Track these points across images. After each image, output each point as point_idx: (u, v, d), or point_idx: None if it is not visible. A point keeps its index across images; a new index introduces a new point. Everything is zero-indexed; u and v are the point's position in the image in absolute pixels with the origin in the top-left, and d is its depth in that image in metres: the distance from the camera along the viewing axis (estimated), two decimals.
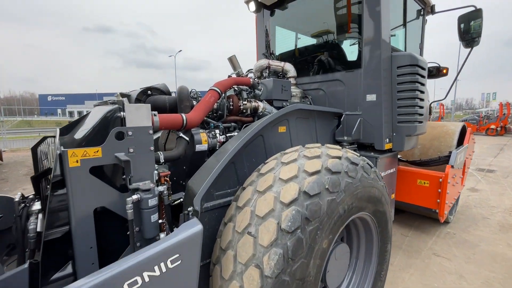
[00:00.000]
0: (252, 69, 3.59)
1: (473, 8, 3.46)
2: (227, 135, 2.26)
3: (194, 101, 2.20)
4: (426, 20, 4.07)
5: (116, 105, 1.63)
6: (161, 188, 1.59)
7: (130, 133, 1.48)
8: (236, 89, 2.56)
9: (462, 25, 3.52)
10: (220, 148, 1.97)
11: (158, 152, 1.70)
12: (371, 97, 2.97)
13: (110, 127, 1.62)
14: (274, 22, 4.15)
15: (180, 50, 45.41)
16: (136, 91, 2.10)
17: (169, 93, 2.25)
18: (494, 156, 11.77)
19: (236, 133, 2.29)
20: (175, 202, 1.87)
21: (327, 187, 1.62)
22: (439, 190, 3.79)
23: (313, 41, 3.80)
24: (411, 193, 4.03)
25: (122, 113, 1.48)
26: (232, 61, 2.98)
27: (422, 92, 3.04)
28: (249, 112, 2.53)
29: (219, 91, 2.14)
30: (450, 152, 4.07)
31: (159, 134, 2.53)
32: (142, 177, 1.55)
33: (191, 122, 1.84)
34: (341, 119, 3.18)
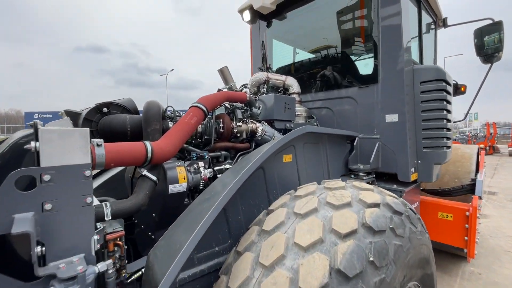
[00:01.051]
0: (247, 84, 3.07)
1: (490, 21, 3.12)
2: (216, 168, 1.66)
3: (170, 123, 1.61)
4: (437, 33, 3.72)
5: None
6: (103, 265, 0.95)
7: (47, 177, 0.87)
8: (228, 106, 2.00)
9: (478, 40, 3.16)
10: (206, 190, 1.36)
11: (102, 204, 1.07)
12: (392, 118, 2.46)
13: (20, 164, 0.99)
14: (271, 35, 3.72)
15: (172, 69, 45.64)
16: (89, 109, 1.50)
17: (136, 112, 1.66)
18: (491, 177, 11.48)
19: (228, 165, 1.69)
20: (133, 278, 1.21)
21: (371, 259, 1.02)
22: (467, 225, 3.22)
23: (316, 53, 3.35)
24: (431, 227, 3.45)
25: (34, 143, 0.87)
26: (223, 73, 2.44)
27: (449, 111, 2.56)
28: (244, 136, 1.95)
29: (204, 108, 1.56)
30: (473, 180, 3.57)
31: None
32: (69, 250, 0.91)
33: (161, 154, 1.24)
34: (355, 143, 2.64)
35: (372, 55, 2.60)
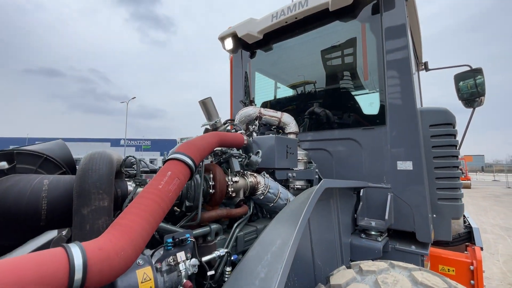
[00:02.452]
0: (230, 120, 2.55)
1: (468, 68, 3.17)
2: (205, 258, 1.02)
3: (129, 183, 0.97)
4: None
5: None
6: None
7: None
8: (220, 152, 1.41)
9: (459, 84, 3.16)
10: None
11: None
12: (405, 165, 2.11)
13: None
14: (254, 66, 3.35)
15: (134, 97, 43.62)
16: None
17: (71, 167, 0.97)
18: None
19: (222, 251, 1.06)
20: None
21: None
22: (472, 281, 2.89)
23: (308, 89, 3.03)
24: None
25: None
26: (206, 106, 1.89)
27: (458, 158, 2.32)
28: (242, 195, 1.35)
29: (190, 163, 0.95)
30: (467, 227, 3.36)
31: None
32: None
33: (108, 269, 0.59)
34: (361, 194, 2.21)
35: (377, 92, 2.32)
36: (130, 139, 71.12)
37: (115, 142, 71.82)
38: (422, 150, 2.11)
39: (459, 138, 2.83)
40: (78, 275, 0.54)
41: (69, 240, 1.06)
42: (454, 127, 2.25)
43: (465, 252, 3.02)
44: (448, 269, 3.07)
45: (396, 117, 2.16)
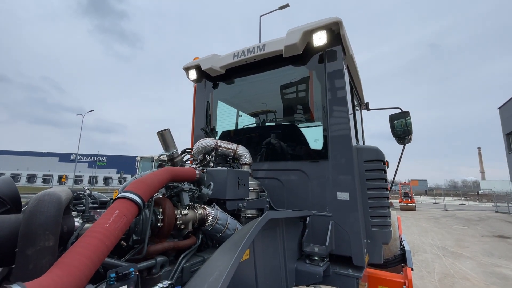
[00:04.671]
0: (188, 149, 2.65)
1: (399, 110, 3.75)
2: None
3: (76, 220, 1.02)
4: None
5: None
6: None
7: None
8: (171, 186, 1.51)
9: (391, 123, 3.71)
10: None
11: None
12: (343, 196, 2.40)
13: None
14: (216, 96, 3.55)
15: (92, 110, 40.88)
16: None
17: (16, 205, 0.99)
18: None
19: (166, 283, 1.14)
20: None
21: None
22: None
23: (264, 121, 3.29)
24: None
25: None
26: (164, 137, 1.99)
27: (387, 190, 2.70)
28: (190, 227, 1.45)
29: (139, 201, 1.04)
30: (402, 249, 3.77)
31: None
32: None
33: None
34: (307, 222, 2.44)
35: (321, 129, 2.64)
36: (83, 154, 65.21)
37: (64, 157, 65.23)
38: (357, 183, 2.43)
39: (392, 169, 3.28)
40: None
41: (5, 278, 1.04)
42: (383, 163, 2.64)
43: (401, 272, 3.38)
44: None
45: (336, 152, 2.48)
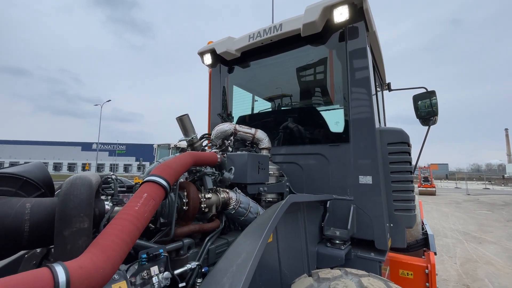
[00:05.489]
0: (207, 134, 2.65)
1: (424, 90, 3.54)
2: (177, 271, 1.11)
3: (106, 203, 1.04)
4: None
5: None
6: None
7: None
8: (194, 170, 1.52)
9: (415, 104, 3.52)
10: None
11: None
12: (366, 179, 2.34)
13: None
14: (232, 81, 3.50)
15: (109, 100, 42.09)
16: None
17: (49, 188, 1.03)
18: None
19: (193, 263, 1.16)
20: None
21: None
22: (427, 284, 3.19)
23: (283, 105, 3.22)
24: None
25: None
26: (184, 122, 1.99)
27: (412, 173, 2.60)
28: (214, 211, 1.47)
29: (165, 185, 1.06)
30: (424, 234, 3.69)
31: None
32: None
33: (88, 286, 0.68)
34: (327, 206, 2.41)
35: (342, 112, 2.55)
36: (103, 143, 67.81)
37: (86, 146, 68.19)
38: (381, 166, 2.34)
39: (415, 153, 3.15)
40: None
41: (44, 257, 1.10)
42: (408, 145, 2.53)
43: (423, 257, 3.32)
44: (407, 273, 3.35)
45: (358, 135, 2.40)
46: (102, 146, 66.99)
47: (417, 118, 3.45)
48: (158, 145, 15.38)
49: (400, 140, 2.46)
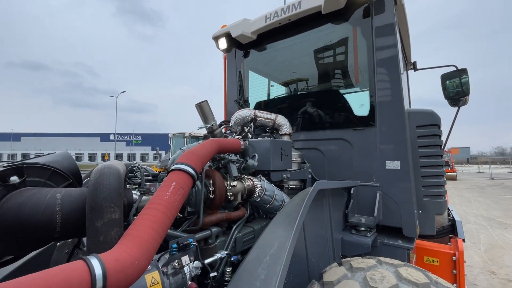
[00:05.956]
0: (225, 121, 2.60)
1: (454, 68, 3.28)
2: (208, 260, 1.09)
3: (134, 192, 1.02)
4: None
5: None
6: None
7: None
8: (218, 158, 1.47)
9: (443, 84, 3.28)
10: None
11: None
12: (393, 164, 2.22)
13: None
14: (248, 65, 3.39)
15: (124, 91, 42.72)
16: None
17: (77, 177, 1.01)
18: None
19: (223, 253, 1.13)
20: None
21: None
22: (454, 271, 3.08)
23: (302, 89, 3.10)
24: None
25: None
26: (203, 109, 1.94)
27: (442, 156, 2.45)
28: (239, 199, 1.42)
29: (193, 173, 1.01)
30: (450, 220, 3.54)
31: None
32: None
33: (124, 279, 0.65)
34: (352, 192, 2.32)
35: (367, 92, 2.40)
36: (120, 133, 69.84)
37: (104, 137, 70.50)
38: (409, 150, 2.22)
39: (443, 137, 2.96)
40: (99, 284, 0.60)
41: (75, 247, 1.11)
42: (439, 128, 2.37)
43: (449, 243, 3.20)
44: (433, 260, 3.25)
45: (385, 118, 2.26)
46: (119, 136, 69.04)
47: (445, 98, 3.23)
48: (173, 134, 15.60)
49: (431, 123, 2.30)
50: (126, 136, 72.04)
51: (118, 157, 62.08)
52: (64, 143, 67.19)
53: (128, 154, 68.49)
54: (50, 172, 0.92)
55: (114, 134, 45.41)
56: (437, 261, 3.22)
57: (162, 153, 31.56)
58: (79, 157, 66.74)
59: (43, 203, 0.76)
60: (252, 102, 3.36)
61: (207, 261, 1.08)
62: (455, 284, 2.60)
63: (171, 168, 1.00)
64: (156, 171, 1.42)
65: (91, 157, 66.12)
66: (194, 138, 13.51)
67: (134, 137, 72.21)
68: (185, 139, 14.07)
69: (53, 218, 0.76)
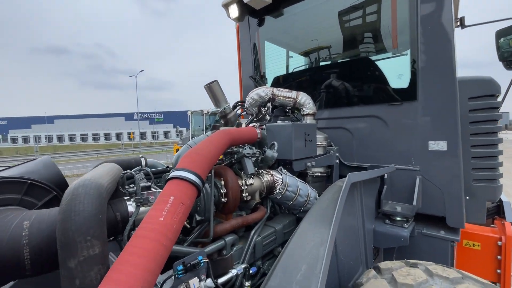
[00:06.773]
0: (240, 102, 2.34)
1: None
2: (222, 280, 0.92)
3: (130, 204, 0.85)
4: None
5: None
6: None
7: None
8: (231, 152, 1.25)
9: (500, 41, 2.71)
10: None
11: None
12: (438, 145, 1.88)
13: None
14: (263, 35, 3.01)
15: (142, 70, 43.13)
16: None
17: (63, 184, 0.84)
18: None
19: (240, 268, 0.96)
20: None
21: None
22: (499, 256, 2.79)
23: (326, 60, 2.71)
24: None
25: None
26: (213, 90, 1.69)
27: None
28: (257, 198, 1.22)
29: (197, 182, 0.80)
30: (498, 201, 3.16)
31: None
32: None
33: None
34: (385, 177, 2.04)
35: (406, 59, 2.00)
36: (142, 112, 71.89)
37: (128, 117, 73.07)
38: (459, 129, 1.85)
39: None
40: None
41: None
42: (497, 99, 1.95)
43: (492, 225, 2.87)
44: (473, 244, 2.95)
45: (430, 90, 1.88)
46: (142, 115, 71.16)
47: (500, 60, 2.68)
48: (192, 112, 15.58)
49: (488, 93, 1.89)
50: (148, 115, 74.11)
51: (143, 135, 64.60)
52: (93, 124, 70.84)
53: (152, 132, 70.97)
54: (27, 185, 0.76)
55: (137, 113, 46.80)
56: (478, 245, 2.92)
57: (183, 129, 32.19)
58: (107, 137, 70.45)
59: (7, 235, 0.60)
60: (269, 77, 3.04)
61: (221, 280, 0.91)
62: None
63: (169, 176, 0.80)
64: (179, 149, 1.24)
65: (118, 137, 69.52)
66: (213, 115, 13.37)
67: (156, 115, 74.07)
68: (204, 116, 14.00)
69: (20, 255, 0.61)
